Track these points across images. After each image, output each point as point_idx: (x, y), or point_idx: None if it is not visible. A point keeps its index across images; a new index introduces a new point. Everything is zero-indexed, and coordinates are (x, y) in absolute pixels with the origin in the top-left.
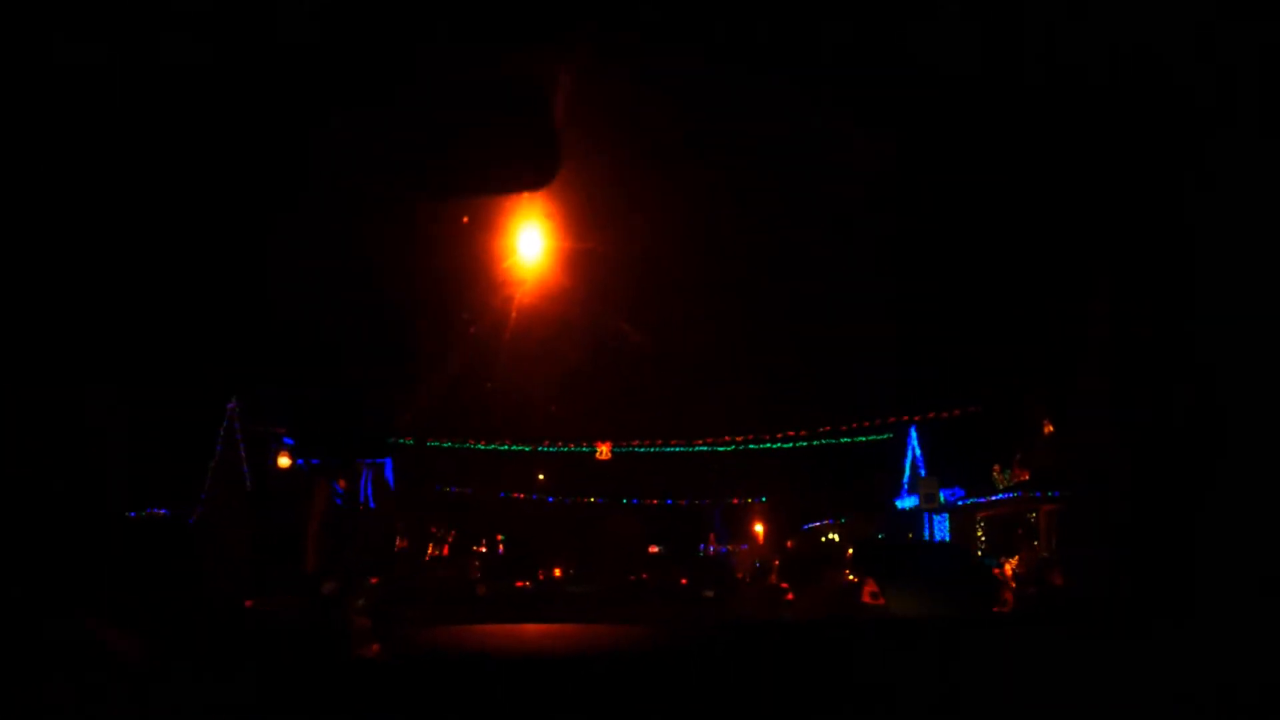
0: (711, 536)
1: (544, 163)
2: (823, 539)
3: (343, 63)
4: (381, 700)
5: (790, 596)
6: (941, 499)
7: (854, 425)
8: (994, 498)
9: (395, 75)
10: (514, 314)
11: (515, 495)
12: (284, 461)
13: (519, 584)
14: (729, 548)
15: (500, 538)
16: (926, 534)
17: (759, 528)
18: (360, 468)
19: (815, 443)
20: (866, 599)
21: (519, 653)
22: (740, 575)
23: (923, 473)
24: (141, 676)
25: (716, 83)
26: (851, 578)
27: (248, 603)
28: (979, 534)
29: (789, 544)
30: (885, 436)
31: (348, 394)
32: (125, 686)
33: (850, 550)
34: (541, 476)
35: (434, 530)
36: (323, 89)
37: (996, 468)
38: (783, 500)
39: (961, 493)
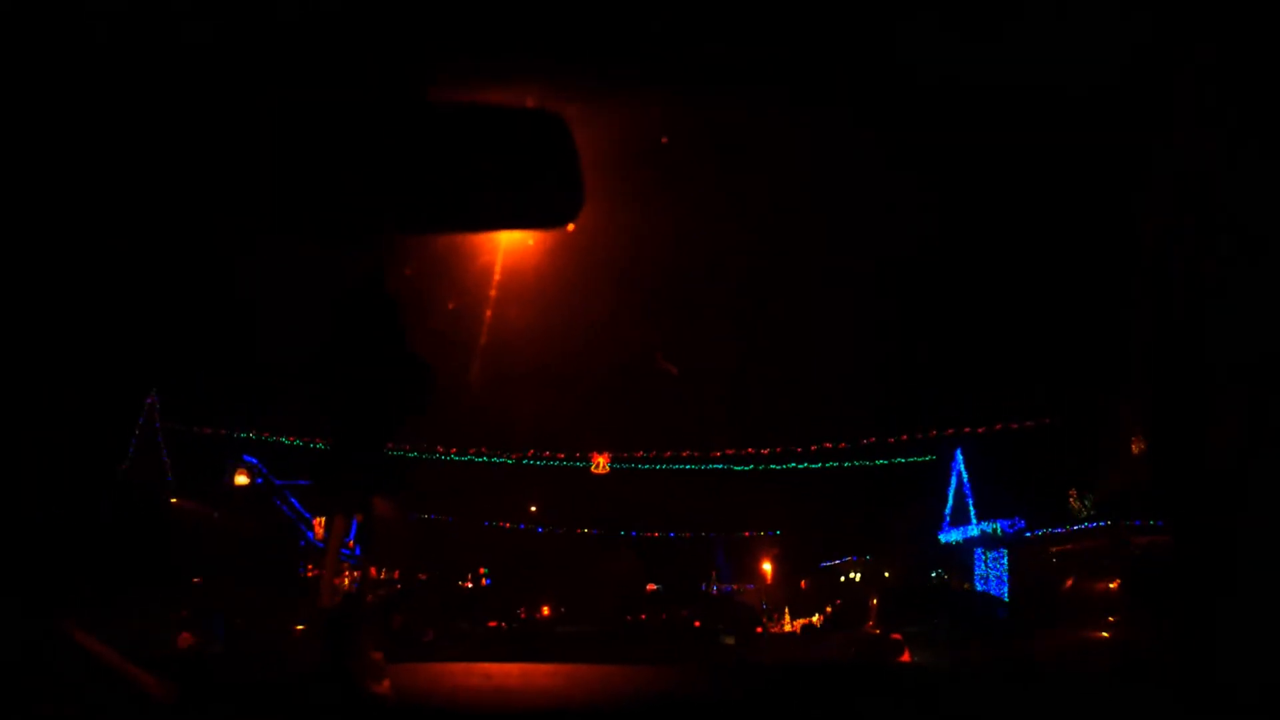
0: (714, 574)
1: (567, 197)
2: (841, 579)
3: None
4: None
5: (908, 657)
6: (1000, 531)
7: (901, 439)
8: (1076, 528)
9: (407, 99)
10: (492, 304)
11: (502, 524)
12: (241, 480)
13: (491, 624)
14: (734, 587)
15: (483, 570)
16: (979, 572)
17: (767, 566)
18: (372, 504)
19: (848, 464)
20: None
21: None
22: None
23: (970, 500)
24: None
25: (750, 91)
26: (1103, 634)
27: None
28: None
29: (803, 584)
30: (928, 459)
31: (363, 421)
32: None
33: (1118, 579)
34: (534, 509)
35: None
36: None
37: (1073, 493)
38: (798, 534)
39: (1022, 524)
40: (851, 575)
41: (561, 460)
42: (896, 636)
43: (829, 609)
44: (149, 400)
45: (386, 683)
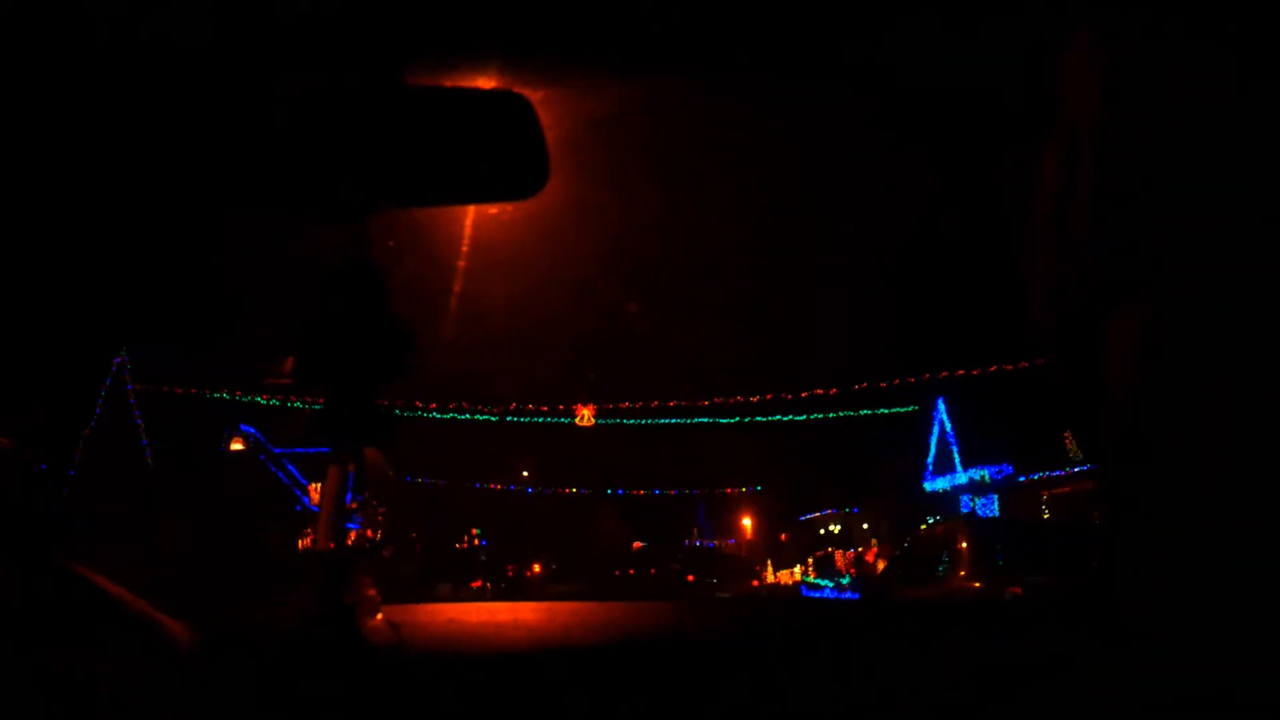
0: (695, 531)
1: (533, 172)
2: (821, 531)
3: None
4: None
5: None
6: (988, 477)
7: (893, 383)
8: (1074, 470)
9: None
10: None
11: (492, 486)
12: (237, 446)
13: (475, 584)
14: (715, 543)
15: (475, 532)
16: None
17: (747, 521)
18: (365, 453)
19: (831, 415)
20: None
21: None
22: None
23: (954, 448)
24: (188, 665)
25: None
26: None
27: None
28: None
29: (783, 537)
30: (910, 409)
31: (351, 370)
32: (170, 672)
33: None
34: (526, 474)
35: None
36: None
37: (1068, 435)
38: (778, 488)
39: (1010, 469)
40: (831, 528)
41: (545, 414)
42: (1016, 590)
43: (810, 560)
44: (116, 361)
45: (380, 617)
